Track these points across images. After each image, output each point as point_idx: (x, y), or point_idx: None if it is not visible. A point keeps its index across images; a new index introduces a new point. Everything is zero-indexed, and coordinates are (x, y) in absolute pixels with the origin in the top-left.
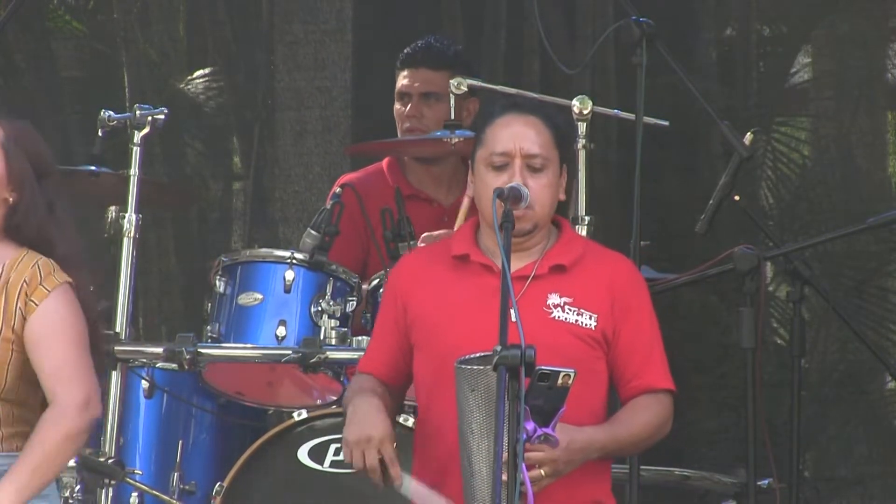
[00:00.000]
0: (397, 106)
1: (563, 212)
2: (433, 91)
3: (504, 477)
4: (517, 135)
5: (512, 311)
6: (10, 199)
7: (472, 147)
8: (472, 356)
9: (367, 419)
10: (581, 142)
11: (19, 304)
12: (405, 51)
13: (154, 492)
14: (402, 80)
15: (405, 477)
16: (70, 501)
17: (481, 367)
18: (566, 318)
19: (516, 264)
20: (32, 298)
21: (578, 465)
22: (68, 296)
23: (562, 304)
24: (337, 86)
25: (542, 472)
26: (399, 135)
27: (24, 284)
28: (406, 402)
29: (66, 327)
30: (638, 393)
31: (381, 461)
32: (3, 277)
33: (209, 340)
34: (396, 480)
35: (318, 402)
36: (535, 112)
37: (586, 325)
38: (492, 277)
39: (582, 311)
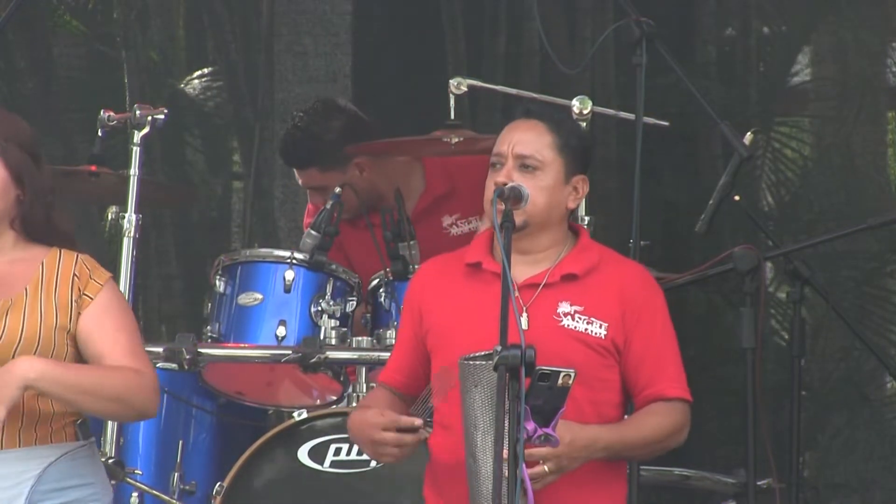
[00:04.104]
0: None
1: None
2: (314, 185)
3: (505, 474)
4: (514, 137)
5: (522, 320)
6: (19, 196)
7: None
8: (476, 353)
9: (362, 425)
10: None
11: (74, 298)
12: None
13: (154, 492)
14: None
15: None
16: None
17: (485, 363)
18: (576, 327)
19: (529, 271)
20: (87, 292)
21: (583, 462)
22: (117, 289)
23: (572, 313)
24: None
25: (546, 468)
26: None
27: (76, 279)
28: None
29: (126, 315)
30: (650, 402)
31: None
32: (46, 275)
33: (209, 340)
34: (416, 424)
35: (318, 402)
36: (541, 118)
37: (596, 333)
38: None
39: (592, 319)
